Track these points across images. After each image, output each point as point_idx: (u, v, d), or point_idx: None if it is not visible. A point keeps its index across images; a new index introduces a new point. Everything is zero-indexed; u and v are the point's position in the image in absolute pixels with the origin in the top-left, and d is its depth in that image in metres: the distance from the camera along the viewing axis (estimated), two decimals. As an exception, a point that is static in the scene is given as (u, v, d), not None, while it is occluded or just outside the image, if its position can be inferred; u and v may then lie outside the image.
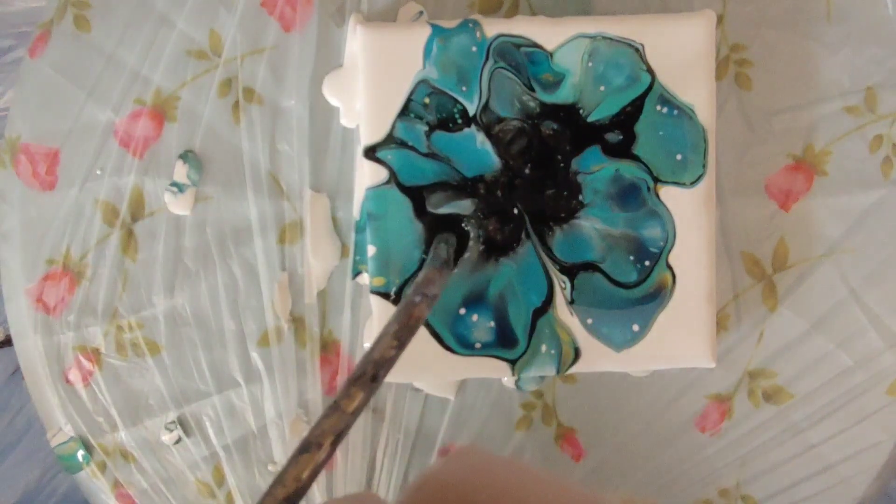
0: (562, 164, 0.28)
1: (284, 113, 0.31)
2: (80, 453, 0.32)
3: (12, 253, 0.32)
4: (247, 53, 0.31)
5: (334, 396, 0.18)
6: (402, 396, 0.32)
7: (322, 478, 0.32)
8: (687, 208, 0.28)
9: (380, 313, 0.28)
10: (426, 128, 0.28)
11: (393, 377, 0.29)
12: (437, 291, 0.22)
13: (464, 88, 0.28)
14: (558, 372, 0.28)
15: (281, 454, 0.32)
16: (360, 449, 0.32)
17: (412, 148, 0.28)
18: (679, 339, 0.28)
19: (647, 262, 0.28)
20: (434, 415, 0.32)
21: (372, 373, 0.19)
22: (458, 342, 0.28)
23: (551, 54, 0.28)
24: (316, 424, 0.17)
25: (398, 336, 0.20)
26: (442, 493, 0.14)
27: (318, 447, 0.17)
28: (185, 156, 0.31)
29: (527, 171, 0.28)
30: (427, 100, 0.28)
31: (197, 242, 0.31)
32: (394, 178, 0.28)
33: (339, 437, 0.17)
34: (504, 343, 0.28)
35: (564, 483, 0.15)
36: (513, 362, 0.28)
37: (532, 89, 0.28)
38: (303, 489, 0.16)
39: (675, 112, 0.28)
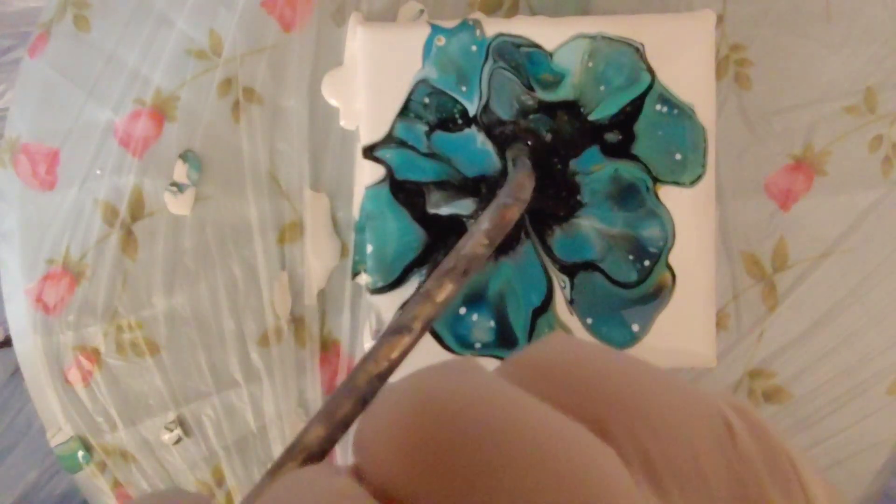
0: (560, 165, 0.28)
1: (284, 113, 0.31)
2: (80, 453, 0.32)
3: (12, 253, 0.32)
4: (247, 53, 0.31)
5: (424, 289, 0.18)
6: (402, 396, 0.32)
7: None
8: (686, 208, 0.28)
9: (382, 311, 0.28)
10: (426, 128, 0.28)
11: (393, 377, 0.29)
12: (527, 196, 0.22)
13: (464, 88, 0.28)
14: (558, 372, 0.28)
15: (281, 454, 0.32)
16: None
17: (412, 147, 0.28)
18: (679, 340, 0.28)
19: (646, 262, 0.28)
20: (434, 415, 0.32)
21: (463, 267, 0.19)
22: (458, 342, 0.28)
23: (551, 54, 0.28)
24: (406, 309, 0.17)
25: (489, 235, 0.20)
26: (542, 369, 0.13)
27: (408, 330, 0.17)
28: (185, 156, 0.31)
29: (527, 170, 0.28)
30: (427, 100, 0.28)
31: (197, 242, 0.31)
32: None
33: (428, 323, 0.18)
34: (504, 343, 0.28)
35: (672, 377, 0.13)
36: (513, 362, 0.28)
37: (532, 89, 0.28)
38: (392, 368, 0.17)
39: (675, 112, 0.28)
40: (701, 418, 0.13)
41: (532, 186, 0.23)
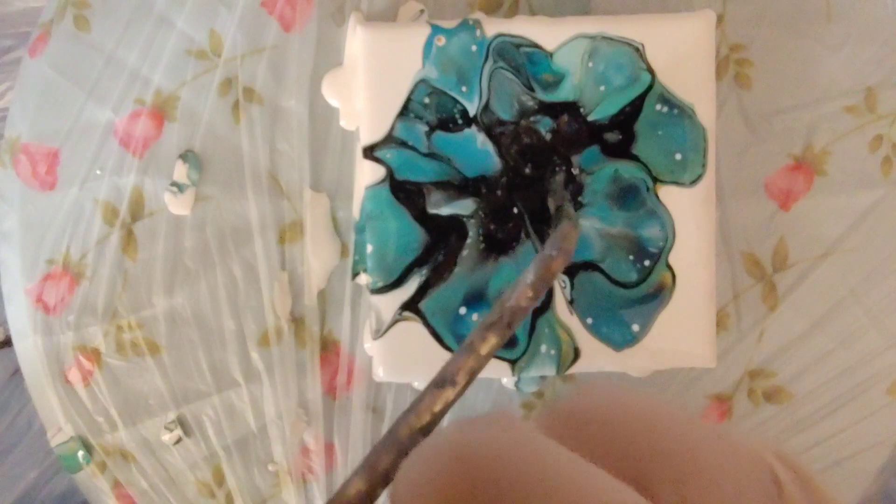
0: (560, 165, 0.28)
1: (284, 113, 0.31)
2: (80, 453, 0.32)
3: (12, 253, 0.32)
4: (247, 53, 0.31)
5: (468, 341, 0.18)
6: (402, 396, 0.32)
7: (321, 477, 0.32)
8: (686, 208, 0.28)
9: (382, 311, 0.28)
10: (426, 128, 0.28)
11: (393, 377, 0.29)
12: (571, 247, 0.22)
13: (464, 88, 0.28)
14: (558, 372, 0.28)
15: (281, 454, 0.32)
16: (360, 449, 0.32)
17: (412, 147, 0.28)
18: (679, 339, 0.28)
19: (646, 262, 0.28)
20: (434, 415, 0.32)
21: (507, 320, 0.19)
22: (458, 342, 0.28)
23: (551, 54, 0.28)
24: (450, 362, 0.18)
25: (534, 287, 0.20)
26: (581, 421, 0.13)
27: (452, 384, 0.17)
28: (185, 156, 0.31)
29: (527, 170, 0.28)
30: (427, 100, 0.28)
31: (197, 242, 0.31)
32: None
33: (472, 377, 0.18)
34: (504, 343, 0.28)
35: (716, 427, 0.13)
36: (513, 362, 0.28)
37: (532, 89, 0.28)
38: (435, 421, 0.17)
39: (675, 112, 0.28)
40: (748, 473, 0.12)
41: (577, 236, 0.23)
